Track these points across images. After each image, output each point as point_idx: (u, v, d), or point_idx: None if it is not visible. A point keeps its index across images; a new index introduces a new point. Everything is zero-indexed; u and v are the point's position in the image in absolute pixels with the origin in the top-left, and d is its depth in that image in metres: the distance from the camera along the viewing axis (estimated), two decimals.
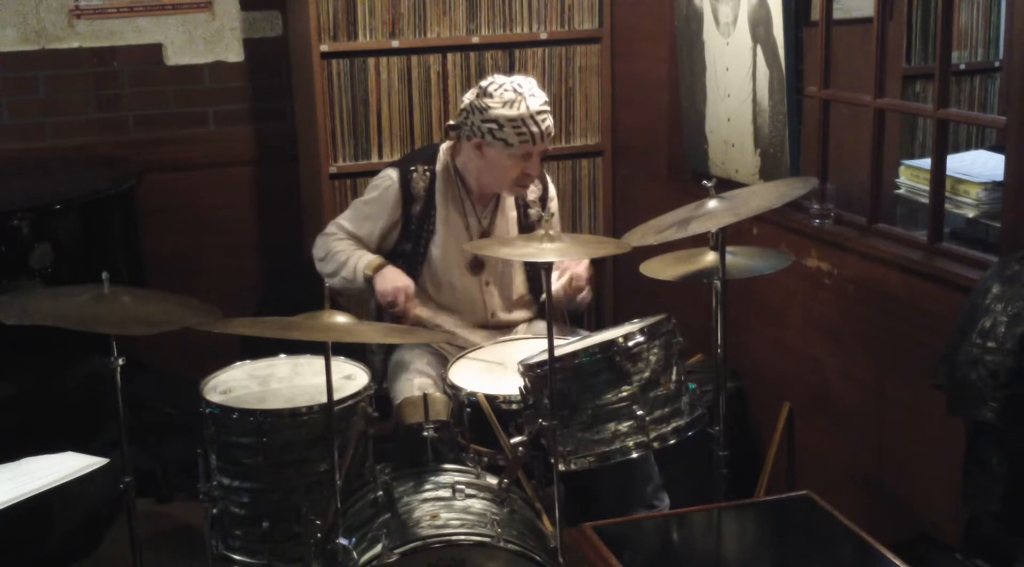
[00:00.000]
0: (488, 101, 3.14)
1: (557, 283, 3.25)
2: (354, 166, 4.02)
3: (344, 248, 3.33)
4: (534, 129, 3.13)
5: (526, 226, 3.40)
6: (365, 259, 3.27)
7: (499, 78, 3.19)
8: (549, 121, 3.18)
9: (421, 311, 3.30)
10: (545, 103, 3.18)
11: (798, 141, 3.34)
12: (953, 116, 2.99)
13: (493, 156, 3.19)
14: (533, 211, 3.40)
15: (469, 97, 3.22)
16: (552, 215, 3.44)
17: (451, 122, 3.33)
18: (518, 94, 3.13)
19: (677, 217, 2.80)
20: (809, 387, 3.36)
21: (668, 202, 3.20)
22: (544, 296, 2.67)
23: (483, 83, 3.20)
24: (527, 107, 3.12)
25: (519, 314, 3.43)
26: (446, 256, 3.33)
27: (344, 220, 3.40)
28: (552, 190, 3.50)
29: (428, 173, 3.32)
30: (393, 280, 3.20)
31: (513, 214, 3.40)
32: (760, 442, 3.58)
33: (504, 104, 3.12)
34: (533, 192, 3.40)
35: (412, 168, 3.33)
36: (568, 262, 3.27)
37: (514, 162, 3.19)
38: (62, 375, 3.60)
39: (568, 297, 3.30)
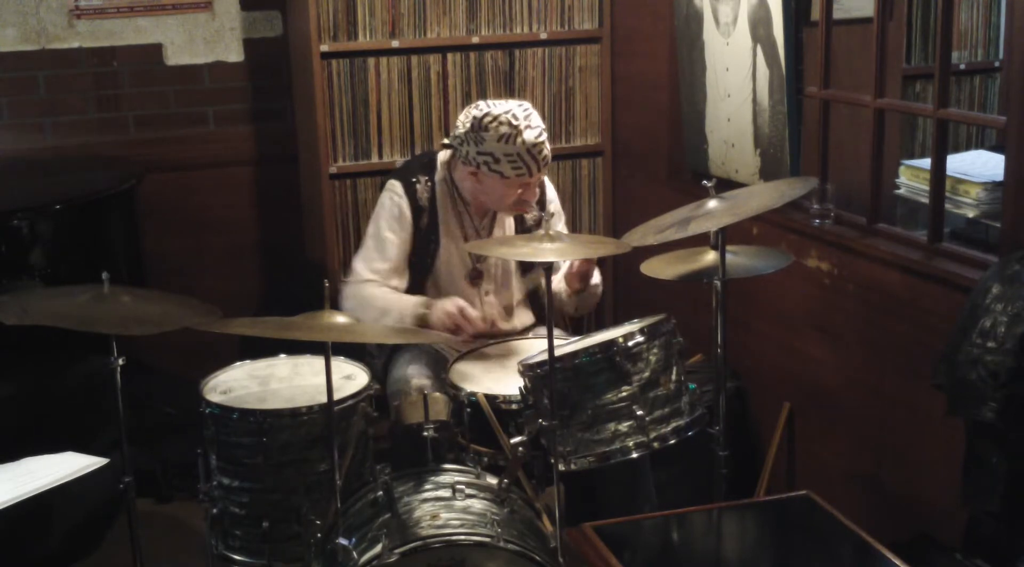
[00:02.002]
0: (484, 134, 3.08)
1: (558, 276, 3.23)
2: (354, 166, 4.02)
3: (379, 295, 3.24)
4: (531, 163, 3.10)
5: (523, 230, 3.40)
6: (408, 307, 3.19)
7: (494, 107, 3.12)
8: (546, 151, 3.13)
9: (479, 312, 3.25)
10: (542, 133, 3.12)
11: (798, 141, 3.34)
12: (953, 116, 2.99)
13: (489, 184, 3.17)
14: (531, 216, 3.38)
15: (464, 123, 3.15)
16: (552, 215, 3.44)
17: (445, 141, 3.29)
18: (514, 128, 3.07)
19: (677, 217, 2.80)
20: (809, 387, 3.36)
21: (668, 202, 3.20)
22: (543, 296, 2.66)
23: (477, 114, 3.11)
24: (523, 141, 3.07)
25: (517, 321, 3.43)
26: (449, 267, 3.33)
27: (366, 258, 3.31)
28: (551, 192, 3.48)
29: (429, 184, 3.29)
30: (442, 310, 3.15)
31: (510, 221, 3.39)
32: (760, 442, 3.58)
33: (500, 138, 3.07)
34: None
35: (414, 180, 3.30)
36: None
37: (511, 190, 3.17)
38: (62, 375, 3.60)
39: (576, 291, 3.28)
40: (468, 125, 3.13)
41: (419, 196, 3.27)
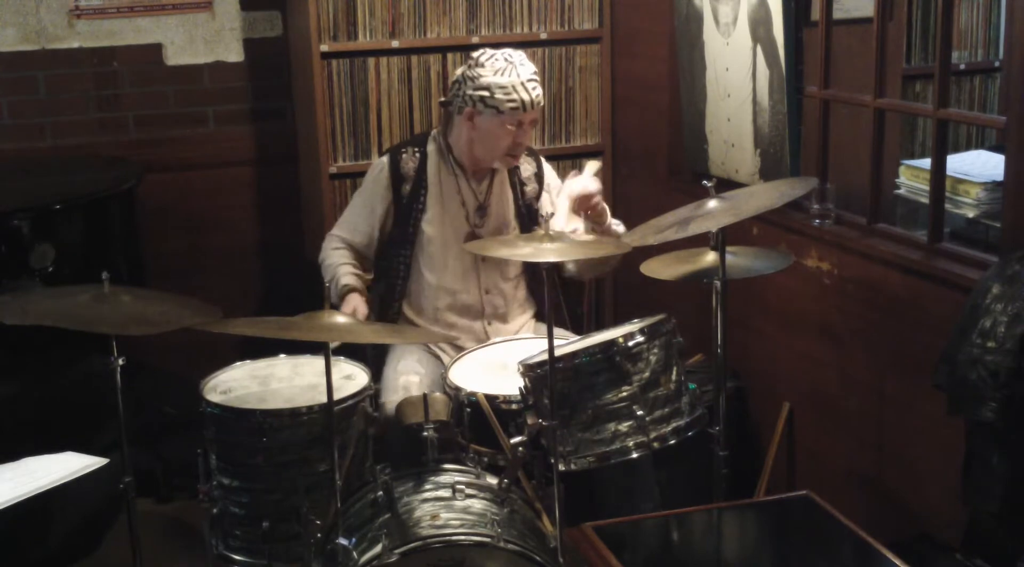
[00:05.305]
0: (479, 70, 3.19)
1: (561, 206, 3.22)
2: (354, 166, 4.02)
3: (334, 261, 3.36)
4: (524, 96, 3.17)
5: (523, 204, 3.41)
6: (342, 282, 3.29)
7: (489, 49, 3.25)
8: (539, 90, 3.22)
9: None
10: (534, 73, 3.23)
11: (798, 141, 3.34)
12: (953, 116, 2.99)
13: (484, 125, 3.22)
14: (529, 188, 3.42)
15: (460, 70, 3.27)
16: (552, 215, 3.44)
17: (442, 99, 3.39)
18: (508, 62, 3.19)
19: (677, 217, 2.80)
20: (809, 387, 3.36)
21: (668, 202, 3.20)
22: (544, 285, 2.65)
23: (474, 54, 3.25)
24: (517, 75, 3.18)
25: (513, 288, 3.43)
26: (442, 234, 3.34)
27: (343, 220, 3.45)
28: (547, 166, 3.50)
29: (418, 154, 3.36)
30: (348, 305, 3.21)
31: (509, 192, 3.41)
32: (760, 442, 3.58)
33: (495, 72, 3.17)
34: (527, 169, 3.42)
35: (402, 150, 3.38)
36: (571, 185, 3.22)
37: (505, 131, 3.21)
38: (62, 375, 3.60)
39: (595, 223, 3.25)
40: (465, 66, 3.25)
41: (403, 165, 3.34)
